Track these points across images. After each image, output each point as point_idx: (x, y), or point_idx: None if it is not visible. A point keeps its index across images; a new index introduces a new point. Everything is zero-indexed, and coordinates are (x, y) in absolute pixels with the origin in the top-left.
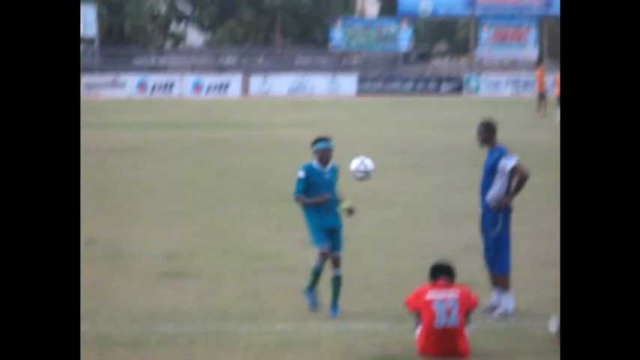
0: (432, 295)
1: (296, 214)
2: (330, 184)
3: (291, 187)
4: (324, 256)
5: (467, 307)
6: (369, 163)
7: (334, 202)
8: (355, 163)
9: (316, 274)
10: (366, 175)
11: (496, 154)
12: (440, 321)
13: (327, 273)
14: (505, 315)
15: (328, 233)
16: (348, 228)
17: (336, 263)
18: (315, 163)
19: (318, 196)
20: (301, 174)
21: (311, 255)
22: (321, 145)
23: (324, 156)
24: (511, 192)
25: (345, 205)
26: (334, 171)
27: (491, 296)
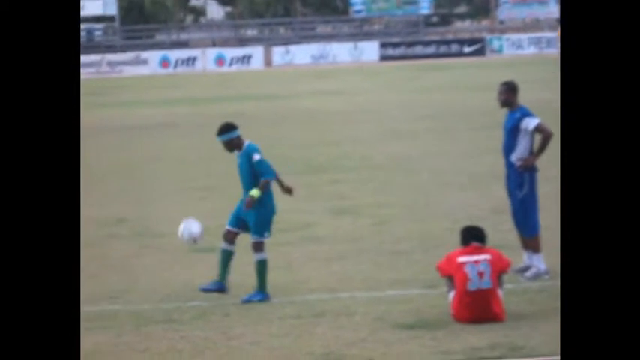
0: (464, 258)
1: (323, 184)
2: (240, 170)
3: (319, 156)
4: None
5: (499, 269)
6: (194, 229)
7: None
8: (180, 230)
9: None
10: (192, 240)
11: (517, 114)
12: (473, 284)
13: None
14: (538, 275)
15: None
16: (377, 195)
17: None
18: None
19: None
20: (259, 156)
21: (340, 224)
22: (220, 138)
23: (226, 147)
24: (536, 152)
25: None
26: (245, 156)
27: (523, 257)
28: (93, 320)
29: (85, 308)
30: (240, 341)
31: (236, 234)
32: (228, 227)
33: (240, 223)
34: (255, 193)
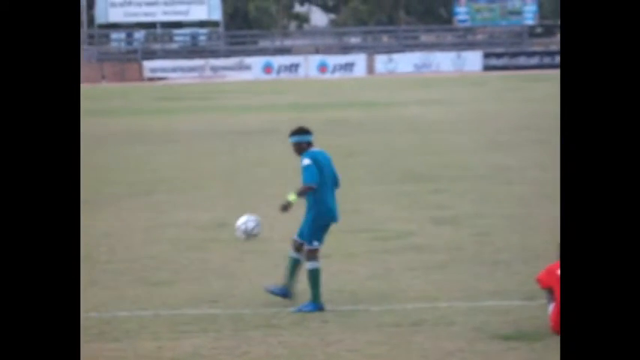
0: None
1: (424, 193)
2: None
3: (420, 165)
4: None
5: None
6: (250, 225)
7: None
8: (241, 220)
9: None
10: (246, 236)
11: None
12: None
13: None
14: None
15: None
16: (477, 205)
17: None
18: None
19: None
20: (308, 161)
21: (440, 234)
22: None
23: (295, 150)
24: None
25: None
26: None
27: None
28: (193, 323)
29: (185, 311)
30: (338, 348)
31: (302, 243)
32: (294, 237)
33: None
34: (291, 197)
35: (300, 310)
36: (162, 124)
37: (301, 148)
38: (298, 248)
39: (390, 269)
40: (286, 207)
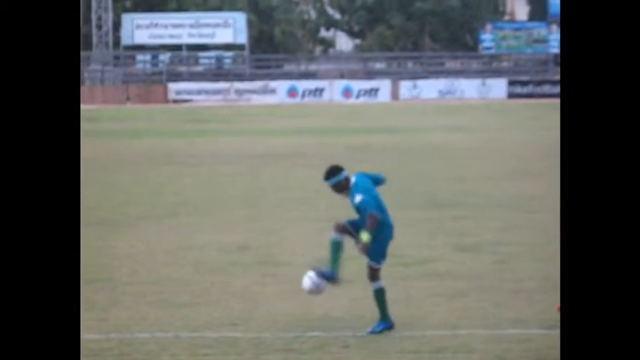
0: None
1: (446, 220)
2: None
3: (443, 191)
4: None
5: None
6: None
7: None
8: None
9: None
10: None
11: None
12: None
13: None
14: None
15: None
16: (500, 233)
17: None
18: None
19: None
20: (360, 197)
21: (462, 261)
22: (328, 182)
23: (335, 190)
24: None
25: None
26: (351, 198)
27: None
28: (213, 346)
29: (206, 334)
30: None
31: (346, 229)
32: (342, 222)
33: (354, 227)
34: (365, 237)
35: (373, 332)
36: (187, 147)
37: (342, 187)
38: (342, 230)
39: (410, 295)
40: (364, 249)
